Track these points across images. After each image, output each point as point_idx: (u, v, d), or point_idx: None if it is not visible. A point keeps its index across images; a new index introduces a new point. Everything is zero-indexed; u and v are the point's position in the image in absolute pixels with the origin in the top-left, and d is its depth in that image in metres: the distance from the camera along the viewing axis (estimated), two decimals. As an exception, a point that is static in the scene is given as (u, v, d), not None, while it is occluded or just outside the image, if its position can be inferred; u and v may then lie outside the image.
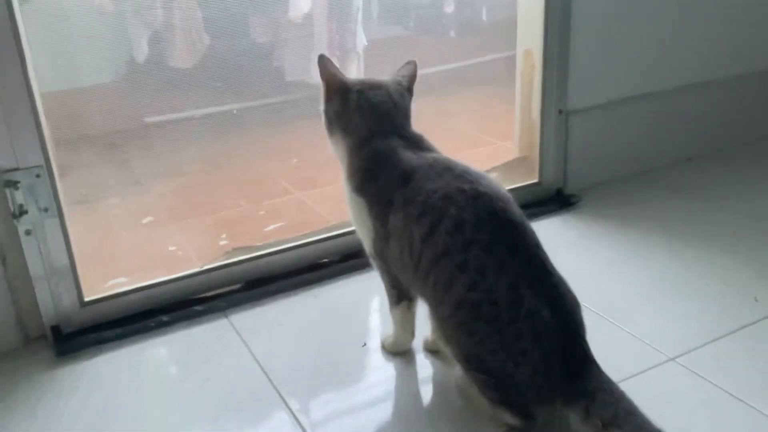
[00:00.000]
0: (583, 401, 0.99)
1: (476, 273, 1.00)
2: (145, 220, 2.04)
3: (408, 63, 1.23)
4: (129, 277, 1.52)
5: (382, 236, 1.13)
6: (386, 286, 1.22)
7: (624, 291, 1.44)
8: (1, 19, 1.17)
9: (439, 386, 1.19)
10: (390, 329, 1.27)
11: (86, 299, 1.36)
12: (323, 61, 1.17)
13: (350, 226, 1.58)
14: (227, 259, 1.50)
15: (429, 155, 1.13)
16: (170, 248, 1.87)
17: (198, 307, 1.40)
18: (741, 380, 1.16)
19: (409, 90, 1.22)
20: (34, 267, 1.29)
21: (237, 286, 1.47)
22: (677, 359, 1.22)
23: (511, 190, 1.71)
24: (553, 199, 1.79)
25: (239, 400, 1.17)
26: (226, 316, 1.40)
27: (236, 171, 2.37)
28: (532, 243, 1.03)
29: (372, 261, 1.21)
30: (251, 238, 1.87)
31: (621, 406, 0.97)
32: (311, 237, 1.55)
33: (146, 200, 2.17)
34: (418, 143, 1.16)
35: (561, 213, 1.75)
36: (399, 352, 1.27)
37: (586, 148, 1.83)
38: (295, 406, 1.15)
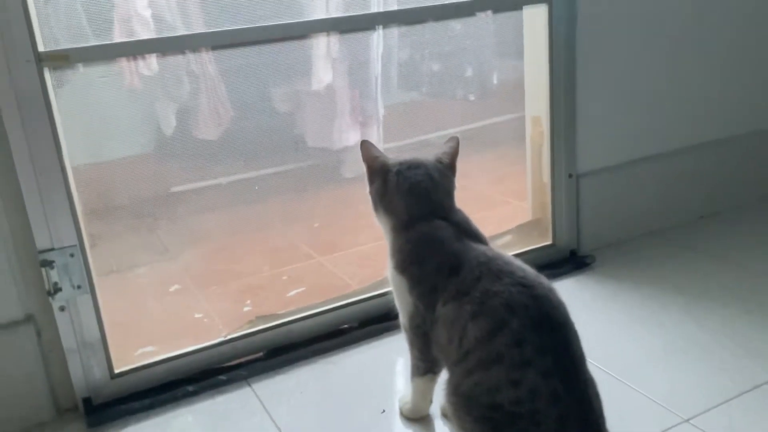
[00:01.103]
0: None
1: (527, 394, 1.01)
2: (172, 288, 2.09)
3: (450, 139, 1.26)
4: (157, 346, 1.56)
5: (423, 316, 1.17)
6: (413, 358, 1.25)
7: (637, 351, 1.46)
8: (37, 104, 1.26)
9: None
10: (407, 393, 1.30)
11: (116, 371, 1.41)
12: (366, 145, 1.23)
13: (369, 291, 1.65)
14: (250, 327, 1.55)
15: (479, 248, 1.15)
16: (196, 315, 1.92)
17: (222, 377, 1.45)
18: (755, 441, 1.17)
19: (452, 167, 1.25)
20: (67, 341, 1.35)
21: (259, 355, 1.51)
22: (691, 420, 1.23)
23: (526, 253, 1.79)
24: (568, 261, 1.82)
25: (262, 469, 1.21)
26: (249, 385, 1.44)
27: (259, 237, 2.43)
28: (584, 369, 1.06)
29: (405, 332, 1.25)
30: (274, 303, 1.91)
31: None
32: (330, 304, 1.60)
33: (173, 268, 2.23)
34: (463, 227, 1.19)
35: (575, 274, 1.78)
36: (417, 418, 1.30)
37: (598, 209, 1.87)
38: (316, 474, 1.18)
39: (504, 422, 1.04)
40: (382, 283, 1.63)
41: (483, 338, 1.06)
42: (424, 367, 1.23)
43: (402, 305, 1.22)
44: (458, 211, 1.23)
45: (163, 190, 2.62)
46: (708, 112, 2.00)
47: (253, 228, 2.48)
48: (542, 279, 1.11)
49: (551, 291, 1.09)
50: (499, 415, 1.04)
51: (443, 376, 1.18)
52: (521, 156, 1.91)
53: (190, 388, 1.42)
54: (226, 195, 2.68)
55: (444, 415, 1.29)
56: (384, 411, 1.33)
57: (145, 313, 1.95)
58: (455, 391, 1.11)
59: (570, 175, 1.81)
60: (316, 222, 2.52)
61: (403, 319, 1.24)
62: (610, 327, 1.55)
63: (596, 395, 1.08)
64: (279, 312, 1.60)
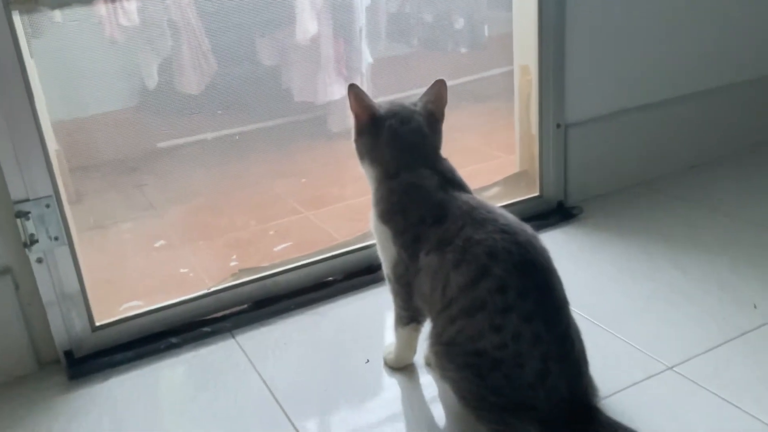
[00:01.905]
0: None
1: (510, 338, 1.02)
2: (157, 244, 2.08)
3: (436, 83, 1.21)
4: (142, 300, 1.56)
5: (406, 265, 1.16)
6: (397, 308, 1.24)
7: (622, 300, 1.45)
8: (8, 56, 1.21)
9: (442, 401, 1.21)
10: (391, 343, 1.30)
11: (97, 324, 1.40)
12: (354, 91, 1.17)
13: (354, 244, 1.63)
14: (235, 280, 1.53)
15: (462, 196, 1.14)
16: (182, 270, 1.91)
17: (206, 329, 1.43)
18: (739, 388, 1.17)
19: (441, 115, 1.21)
20: (46, 294, 1.33)
21: (244, 307, 1.50)
22: (675, 368, 1.23)
23: (513, 204, 1.77)
24: (555, 212, 1.81)
25: (246, 420, 1.20)
26: (233, 336, 1.43)
27: (246, 192, 2.41)
28: (567, 312, 1.06)
29: (388, 282, 1.24)
30: (261, 257, 1.91)
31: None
32: (316, 256, 1.58)
33: (159, 224, 2.21)
34: (448, 177, 1.17)
35: (562, 225, 1.77)
36: (401, 367, 1.30)
37: (586, 160, 1.85)
38: (300, 423, 1.18)
39: (487, 366, 1.04)
40: (368, 235, 1.61)
41: (466, 286, 1.05)
42: (408, 316, 1.23)
43: (385, 255, 1.21)
44: (444, 160, 1.21)
45: (149, 145, 2.60)
46: (698, 61, 1.97)
47: (239, 184, 2.46)
48: (525, 226, 1.10)
49: (534, 237, 1.09)
50: (481, 361, 1.04)
51: (427, 326, 1.18)
52: (512, 110, 1.88)
53: (174, 340, 1.41)
54: (212, 150, 2.66)
55: (428, 364, 1.29)
56: (368, 361, 1.32)
57: (130, 268, 1.94)
58: (438, 340, 1.11)
59: (558, 125, 1.78)
60: (304, 177, 2.49)
61: (386, 268, 1.23)
62: (595, 276, 1.55)
63: (578, 337, 1.08)
64: (264, 264, 1.58)
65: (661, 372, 1.23)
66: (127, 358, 1.37)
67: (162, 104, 2.73)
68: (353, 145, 1.23)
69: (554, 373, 1.02)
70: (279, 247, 1.98)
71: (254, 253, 1.97)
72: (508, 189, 1.82)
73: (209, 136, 2.68)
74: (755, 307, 1.38)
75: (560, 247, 1.67)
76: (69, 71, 2.44)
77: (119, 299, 1.65)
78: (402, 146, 1.18)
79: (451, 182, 1.17)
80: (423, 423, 1.17)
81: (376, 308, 1.48)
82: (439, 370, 1.11)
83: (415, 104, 1.21)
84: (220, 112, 2.35)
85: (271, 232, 2.12)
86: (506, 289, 1.02)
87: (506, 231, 1.06)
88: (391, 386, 1.26)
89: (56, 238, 1.31)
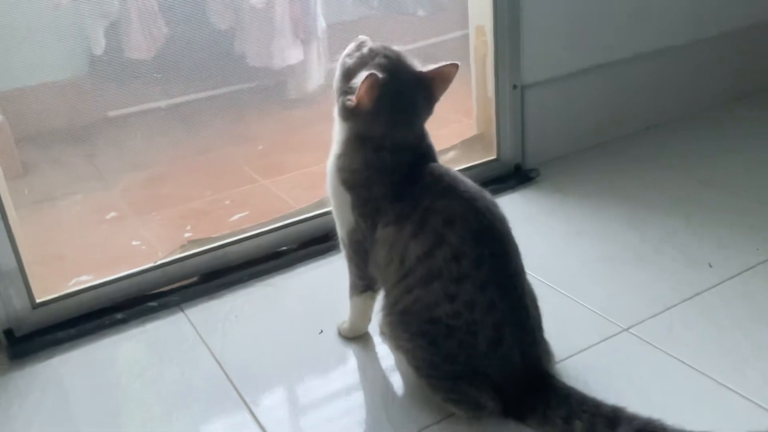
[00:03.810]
0: (540, 408, 1.01)
1: (464, 307, 1.00)
2: (108, 216, 2.02)
3: (450, 65, 1.08)
4: (93, 275, 1.51)
5: (364, 234, 1.12)
6: (351, 276, 1.20)
7: (577, 262, 1.44)
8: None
9: (400, 371, 1.19)
10: (346, 314, 1.26)
11: (38, 301, 1.34)
12: (372, 81, 1.02)
13: (310, 211, 1.59)
14: (183, 252, 1.48)
15: (428, 168, 1.08)
16: (134, 243, 1.85)
17: (153, 303, 1.39)
18: (694, 348, 1.17)
19: (440, 95, 1.11)
20: (-20, 272, 1.27)
21: (193, 280, 1.45)
22: (630, 329, 1.22)
23: (470, 168, 1.74)
24: (512, 175, 1.78)
25: (195, 396, 1.16)
26: (182, 311, 1.39)
27: (201, 161, 2.35)
28: (522, 280, 1.05)
29: (343, 248, 1.19)
30: (216, 228, 1.85)
31: (574, 398, 1.00)
32: (268, 225, 1.54)
33: (110, 195, 2.15)
34: (423, 152, 1.11)
35: (520, 189, 1.75)
36: (356, 336, 1.27)
37: (544, 122, 1.82)
38: (251, 399, 1.15)
39: (441, 334, 1.02)
40: (324, 202, 1.57)
41: (423, 256, 1.02)
42: (363, 284, 1.19)
43: (342, 220, 1.16)
44: (426, 136, 1.13)
45: (99, 114, 2.51)
46: (655, 18, 1.94)
47: (194, 152, 2.39)
48: (485, 193, 1.07)
49: (493, 204, 1.06)
50: (435, 329, 1.02)
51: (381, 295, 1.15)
52: (467, 75, 1.84)
53: (119, 316, 1.36)
54: (166, 119, 2.58)
55: (383, 333, 1.26)
56: (322, 332, 1.29)
57: (80, 241, 1.88)
58: (392, 309, 1.08)
59: (515, 86, 1.75)
60: (260, 144, 2.43)
61: (341, 234, 1.18)
62: (551, 239, 1.53)
63: (534, 305, 1.07)
64: (214, 236, 1.54)
65: (617, 334, 1.22)
66: (70, 336, 1.32)
67: (112, 71, 2.64)
68: (336, 104, 1.12)
69: (507, 341, 1.01)
70: (235, 217, 1.93)
71: (209, 224, 1.92)
72: (465, 152, 1.79)
73: (163, 104, 2.60)
74: (710, 266, 1.38)
75: (518, 210, 1.65)
76: (10, 37, 2.34)
77: (69, 274, 1.60)
78: (395, 124, 1.08)
79: (424, 156, 1.11)
80: (379, 394, 1.15)
81: (331, 278, 1.45)
82: (393, 340, 1.09)
83: (419, 75, 1.09)
84: (158, 75, 2.26)
85: (227, 202, 2.07)
86: (461, 257, 1.00)
87: (465, 198, 1.04)
88: (346, 357, 1.24)
89: (-11, 214, 1.24)
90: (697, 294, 1.30)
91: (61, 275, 1.58)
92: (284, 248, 1.53)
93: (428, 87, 1.09)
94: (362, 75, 1.01)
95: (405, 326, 1.06)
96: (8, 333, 1.31)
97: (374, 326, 1.26)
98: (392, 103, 1.06)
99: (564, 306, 1.30)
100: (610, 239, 1.51)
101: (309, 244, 1.54)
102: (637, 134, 1.98)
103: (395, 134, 1.09)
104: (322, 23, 2.64)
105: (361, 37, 1.13)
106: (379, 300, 1.17)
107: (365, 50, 1.09)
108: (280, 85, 2.68)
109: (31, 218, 1.95)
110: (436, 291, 1.01)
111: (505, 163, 1.79)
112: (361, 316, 1.25)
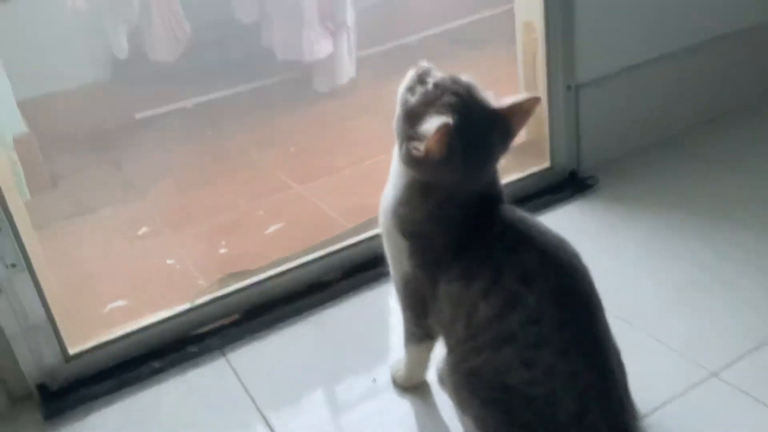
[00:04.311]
0: None
1: (543, 375, 0.90)
2: (140, 231, 1.95)
3: (531, 98, 0.96)
4: (128, 299, 1.49)
5: (421, 283, 1.01)
6: (407, 323, 1.09)
7: (653, 291, 1.31)
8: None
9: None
10: (400, 359, 1.17)
11: (71, 352, 1.26)
12: (446, 131, 0.88)
13: (353, 236, 1.48)
14: (221, 287, 1.39)
15: (499, 213, 0.97)
16: (168, 262, 1.79)
17: (192, 348, 1.30)
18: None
19: (517, 132, 0.97)
20: (9, 326, 1.19)
21: (234, 318, 1.36)
22: (720, 375, 1.10)
23: (522, 180, 1.62)
24: (567, 184, 1.65)
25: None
26: (224, 355, 1.30)
27: (230, 165, 2.26)
28: (608, 342, 0.94)
29: (397, 293, 1.08)
30: (251, 243, 1.79)
31: None
32: (308, 256, 1.44)
33: (140, 207, 2.08)
34: (493, 196, 0.99)
35: (576, 199, 1.61)
36: (413, 386, 1.17)
37: (600, 122, 1.68)
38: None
39: (516, 403, 0.91)
40: (367, 225, 1.46)
41: (494, 317, 0.91)
42: (421, 333, 1.08)
43: (396, 266, 1.05)
44: (497, 177, 1.01)
45: (126, 117, 2.45)
46: (713, 4, 1.78)
47: (223, 156, 2.30)
48: (566, 244, 0.95)
49: (575, 257, 0.94)
50: (510, 397, 0.92)
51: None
52: (513, 55, 1.69)
53: (157, 365, 1.27)
54: (193, 118, 2.50)
55: (441, 380, 1.15)
56: (375, 380, 1.19)
57: (113, 260, 1.81)
58: (456, 368, 0.98)
59: (569, 87, 1.61)
60: (292, 146, 2.33)
61: (395, 276, 1.06)
62: (619, 262, 1.39)
63: (620, 365, 0.95)
64: (252, 268, 1.44)
65: (705, 380, 1.09)
66: (106, 390, 1.24)
67: (137, 75, 2.57)
68: (398, 147, 0.97)
69: (593, 413, 0.90)
70: (270, 229, 1.85)
71: (244, 239, 1.84)
72: (515, 161, 1.66)
73: (189, 103, 2.53)
74: (804, 291, 1.24)
75: (577, 226, 1.51)
76: (33, 47, 2.27)
77: (103, 298, 1.56)
78: (467, 172, 0.94)
79: (494, 200, 0.99)
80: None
81: (379, 311, 1.35)
82: (458, 405, 0.99)
83: (495, 113, 0.95)
84: (207, 83, 2.15)
85: (261, 212, 1.97)
86: (540, 320, 0.89)
87: (542, 250, 0.93)
88: (404, 408, 1.14)
89: (14, 265, 1.16)
90: (790, 326, 1.17)
91: (97, 299, 1.55)
92: (327, 279, 1.43)
93: (505, 125, 0.95)
94: (433, 122, 0.88)
95: (473, 389, 0.95)
96: (42, 387, 1.24)
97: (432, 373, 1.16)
98: (465, 149, 0.91)
99: (643, 347, 1.17)
100: (685, 260, 1.37)
101: (353, 272, 1.43)
102: (700, 127, 1.81)
103: (466, 184, 0.96)
104: (351, 11, 2.51)
105: (423, 64, 0.98)
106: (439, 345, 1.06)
107: (429, 86, 0.94)
108: (308, 79, 2.57)
109: (62, 236, 1.90)
110: (510, 356, 0.91)
111: (559, 170, 1.66)
112: (419, 365, 1.14)
